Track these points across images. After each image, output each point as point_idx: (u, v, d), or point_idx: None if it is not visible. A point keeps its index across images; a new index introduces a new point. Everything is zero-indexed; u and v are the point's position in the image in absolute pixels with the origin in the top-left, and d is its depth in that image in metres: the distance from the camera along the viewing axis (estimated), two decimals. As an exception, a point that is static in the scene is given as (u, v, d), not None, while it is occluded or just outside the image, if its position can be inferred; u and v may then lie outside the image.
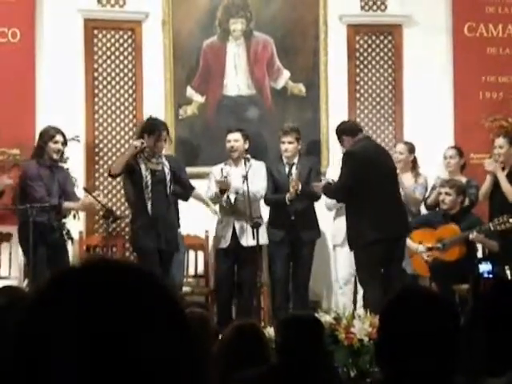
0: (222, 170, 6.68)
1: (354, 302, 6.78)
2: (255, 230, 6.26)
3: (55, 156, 6.47)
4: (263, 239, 6.52)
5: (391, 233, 5.93)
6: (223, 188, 6.54)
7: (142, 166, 6.16)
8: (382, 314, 1.98)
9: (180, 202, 6.64)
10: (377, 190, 5.90)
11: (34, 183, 6.36)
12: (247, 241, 6.45)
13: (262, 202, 6.79)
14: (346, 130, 6.29)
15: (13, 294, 3.44)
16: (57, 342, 0.91)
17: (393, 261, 5.99)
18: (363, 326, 5.34)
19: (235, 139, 6.68)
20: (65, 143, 6.54)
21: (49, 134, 6.46)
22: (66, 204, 6.45)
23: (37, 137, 6.77)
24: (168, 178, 6.22)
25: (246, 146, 6.71)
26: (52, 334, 0.91)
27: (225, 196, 6.57)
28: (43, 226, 6.26)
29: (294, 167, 6.83)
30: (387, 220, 5.90)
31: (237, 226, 6.58)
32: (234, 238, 6.58)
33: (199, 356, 0.97)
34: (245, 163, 6.51)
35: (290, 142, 6.79)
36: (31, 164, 6.47)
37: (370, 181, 5.89)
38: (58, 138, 6.46)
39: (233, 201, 6.59)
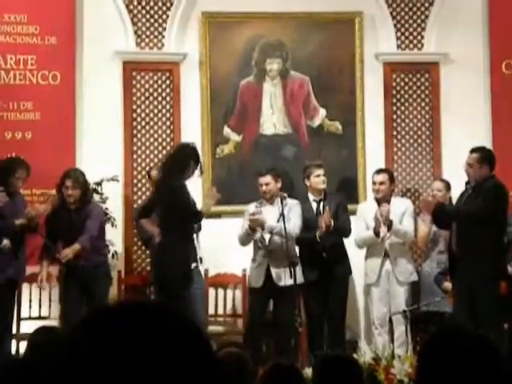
0: (256, 207, 6.67)
1: (392, 342, 6.67)
2: (292, 269, 6.23)
3: (68, 200, 6.39)
4: (299, 278, 6.48)
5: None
6: (255, 225, 6.51)
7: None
8: (420, 355, 1.95)
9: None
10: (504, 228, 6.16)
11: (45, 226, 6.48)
12: (285, 280, 6.39)
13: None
14: (493, 161, 6.26)
15: (49, 334, 3.47)
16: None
17: None
18: (403, 367, 5.26)
19: (266, 183, 6.64)
20: (78, 186, 6.37)
21: (61, 179, 6.44)
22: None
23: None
24: None
25: (279, 185, 6.69)
26: (87, 375, 0.92)
27: (258, 234, 6.55)
28: (72, 266, 6.34)
29: (321, 204, 6.81)
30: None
31: (271, 265, 6.53)
32: (268, 277, 6.53)
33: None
34: (281, 202, 6.51)
35: (324, 175, 6.79)
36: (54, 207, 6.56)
37: (506, 218, 6.15)
38: (68, 183, 6.40)
39: (267, 241, 6.57)
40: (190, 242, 6.15)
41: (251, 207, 6.71)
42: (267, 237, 6.54)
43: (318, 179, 6.78)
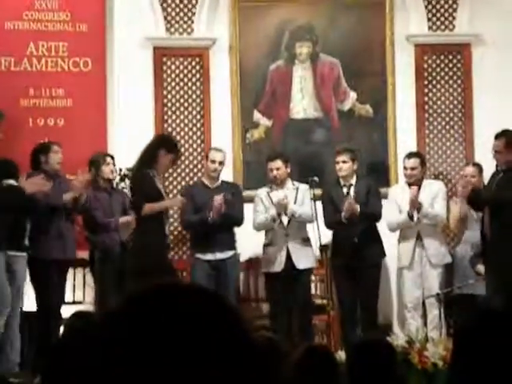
0: (268, 193, 6.69)
1: (425, 325, 6.64)
2: (324, 253, 6.33)
3: (111, 176, 6.72)
4: (313, 261, 6.64)
5: None
6: (281, 211, 6.54)
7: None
8: (455, 338, 1.94)
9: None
10: None
11: (91, 206, 6.52)
12: (304, 263, 6.52)
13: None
14: None
15: (85, 319, 3.51)
16: (126, 368, 0.92)
17: None
18: (437, 350, 5.24)
19: (277, 167, 6.66)
20: (114, 165, 6.78)
21: (99, 159, 6.68)
22: (121, 219, 6.57)
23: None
24: None
25: (288, 170, 6.70)
26: (121, 359, 0.92)
27: (284, 218, 6.60)
28: (108, 248, 6.43)
29: (351, 188, 6.76)
30: None
31: (290, 248, 6.55)
32: (288, 260, 6.55)
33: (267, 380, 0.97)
34: (312, 186, 6.54)
35: (343, 162, 6.69)
36: (87, 191, 6.63)
37: None
38: (109, 160, 6.72)
39: (286, 223, 6.58)
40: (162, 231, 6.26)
41: (262, 191, 6.73)
42: (286, 220, 6.59)
43: (336, 166, 6.74)
